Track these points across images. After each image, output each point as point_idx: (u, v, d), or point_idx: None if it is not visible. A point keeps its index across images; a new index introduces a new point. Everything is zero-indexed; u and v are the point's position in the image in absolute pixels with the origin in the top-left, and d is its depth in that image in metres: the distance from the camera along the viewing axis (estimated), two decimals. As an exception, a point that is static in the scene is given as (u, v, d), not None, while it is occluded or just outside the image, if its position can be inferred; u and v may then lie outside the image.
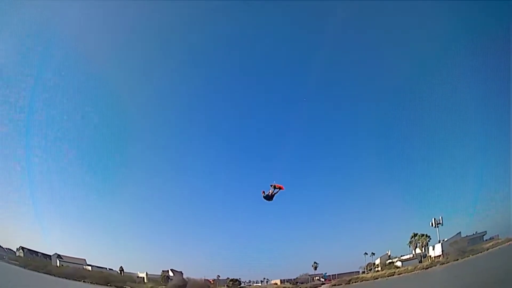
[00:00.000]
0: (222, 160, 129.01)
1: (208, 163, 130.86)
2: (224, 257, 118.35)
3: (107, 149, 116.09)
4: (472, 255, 66.54)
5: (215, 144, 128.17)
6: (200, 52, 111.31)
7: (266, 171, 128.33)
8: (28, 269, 73.58)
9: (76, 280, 76.56)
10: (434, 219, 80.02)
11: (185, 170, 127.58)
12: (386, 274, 79.87)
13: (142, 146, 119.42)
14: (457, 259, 68.09)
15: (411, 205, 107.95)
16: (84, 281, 77.97)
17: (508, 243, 63.13)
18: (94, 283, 78.06)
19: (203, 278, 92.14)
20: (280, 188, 29.13)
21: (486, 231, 74.79)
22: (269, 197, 28.89)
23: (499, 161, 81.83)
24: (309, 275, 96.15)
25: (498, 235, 70.41)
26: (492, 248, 65.46)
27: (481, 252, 66.10)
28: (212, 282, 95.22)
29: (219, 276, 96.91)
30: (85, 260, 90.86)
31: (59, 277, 74.75)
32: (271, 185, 28.56)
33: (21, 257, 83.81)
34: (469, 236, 75.13)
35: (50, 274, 74.20)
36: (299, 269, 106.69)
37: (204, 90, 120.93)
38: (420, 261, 79.98)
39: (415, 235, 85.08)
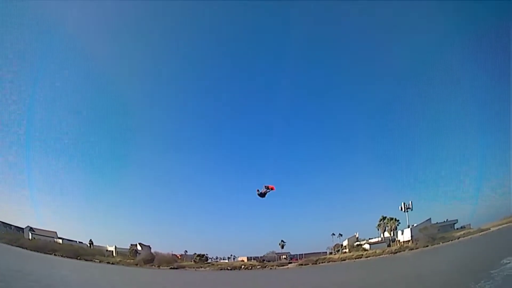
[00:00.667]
0: (193, 137, 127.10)
1: (178, 140, 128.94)
2: (192, 233, 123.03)
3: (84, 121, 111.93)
4: (442, 242, 66.37)
5: (186, 121, 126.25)
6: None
7: (232, 148, 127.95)
8: (2, 242, 72.68)
9: (47, 253, 76.48)
10: (404, 204, 79.81)
11: (154, 146, 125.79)
12: (353, 256, 79.37)
13: (114, 120, 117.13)
14: (427, 246, 67.85)
15: (381, 188, 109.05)
16: (55, 255, 78.08)
17: (481, 233, 62.96)
18: (64, 256, 78.21)
19: (170, 252, 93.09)
20: (271, 189, 31.48)
21: (457, 220, 75.19)
22: (262, 195, 31.34)
23: (474, 151, 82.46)
24: (276, 253, 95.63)
25: (470, 225, 70.64)
26: (463, 237, 65.28)
27: (451, 241, 65.86)
28: (179, 257, 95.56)
29: (186, 251, 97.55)
30: (56, 233, 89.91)
31: (31, 250, 74.02)
32: (264, 186, 31.05)
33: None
34: (439, 223, 75.16)
35: (22, 248, 73.35)
36: (266, 247, 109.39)
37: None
38: (389, 245, 79.72)
39: (384, 218, 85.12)
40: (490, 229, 63.68)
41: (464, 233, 67.18)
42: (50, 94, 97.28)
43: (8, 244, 72.36)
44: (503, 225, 61.95)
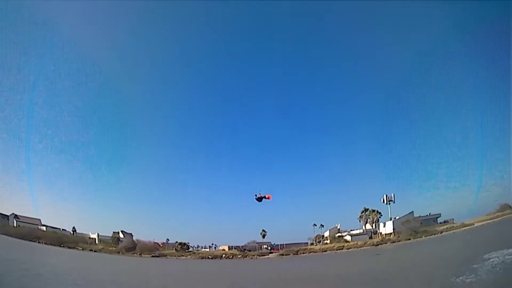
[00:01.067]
0: (174, 124, 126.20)
1: (160, 128, 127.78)
2: (174, 222, 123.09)
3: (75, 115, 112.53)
4: (425, 236, 66.11)
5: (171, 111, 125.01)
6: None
7: (213, 136, 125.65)
8: None
9: (31, 240, 76.94)
10: (386, 196, 79.08)
11: (136, 134, 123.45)
12: (335, 247, 78.65)
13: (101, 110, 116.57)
14: (409, 239, 67.36)
15: (364, 180, 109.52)
16: (39, 242, 78.45)
17: (464, 228, 62.96)
18: (48, 244, 78.63)
19: (152, 240, 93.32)
20: (268, 198, 35.95)
21: (440, 214, 75.04)
22: (259, 199, 35.36)
23: (461, 149, 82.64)
24: (257, 243, 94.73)
25: (453, 219, 70.86)
26: (446, 231, 65.27)
27: (434, 234, 65.62)
28: (161, 245, 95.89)
29: (168, 239, 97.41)
30: (40, 220, 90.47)
31: (15, 237, 75.15)
32: (261, 195, 35.51)
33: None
34: (422, 216, 74.64)
35: (7, 235, 74.18)
36: (248, 236, 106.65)
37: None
38: (371, 237, 79.16)
39: (366, 210, 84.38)
40: (474, 224, 63.66)
41: (447, 228, 67.22)
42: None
43: (-6, 231, 73.96)
44: (487, 221, 62.07)
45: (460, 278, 16.45)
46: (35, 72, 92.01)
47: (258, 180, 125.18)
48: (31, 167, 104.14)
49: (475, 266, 24.98)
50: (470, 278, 15.72)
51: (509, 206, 63.58)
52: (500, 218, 60.90)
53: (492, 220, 61.39)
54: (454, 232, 62.63)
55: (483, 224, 61.36)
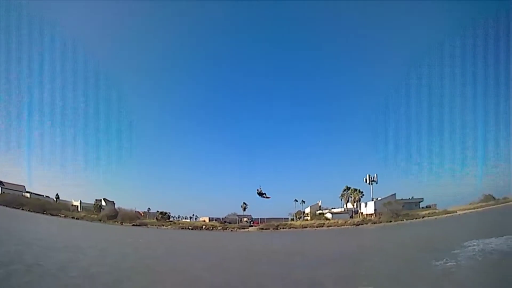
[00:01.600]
0: (161, 92, 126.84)
1: (147, 97, 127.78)
2: (156, 192, 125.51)
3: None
4: (406, 219, 66.39)
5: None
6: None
7: (195, 104, 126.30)
8: None
9: (15, 208, 77.40)
10: (369, 176, 78.92)
11: (124, 103, 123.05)
12: (315, 224, 78.17)
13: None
14: (390, 221, 67.54)
15: (347, 158, 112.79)
16: (22, 209, 79.04)
17: (446, 215, 63.58)
18: (31, 211, 79.16)
19: (134, 209, 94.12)
20: (268, 197, 39.28)
21: (423, 198, 75.26)
22: (260, 194, 37.84)
23: (450, 136, 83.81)
24: (238, 216, 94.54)
25: (435, 205, 71.45)
26: (428, 216, 65.42)
27: (416, 219, 65.98)
28: (142, 214, 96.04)
29: (149, 209, 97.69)
30: (24, 187, 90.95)
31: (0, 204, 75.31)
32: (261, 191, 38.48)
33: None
34: (404, 199, 74.72)
35: None
36: (228, 208, 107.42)
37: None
38: (351, 216, 79.08)
39: (348, 188, 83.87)
40: (456, 212, 64.05)
41: (429, 213, 67.73)
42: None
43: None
44: (470, 210, 62.51)
45: (440, 262, 16.02)
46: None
47: (241, 153, 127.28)
48: (16, 132, 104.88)
49: (455, 252, 24.27)
50: (449, 262, 15.34)
51: (493, 197, 64.04)
52: (483, 208, 61.34)
53: (475, 210, 61.68)
54: (436, 218, 62.80)
55: (465, 213, 61.61)
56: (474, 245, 28.24)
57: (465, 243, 29.40)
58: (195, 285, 13.73)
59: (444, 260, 15.73)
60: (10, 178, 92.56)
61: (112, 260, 19.76)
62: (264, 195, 38.64)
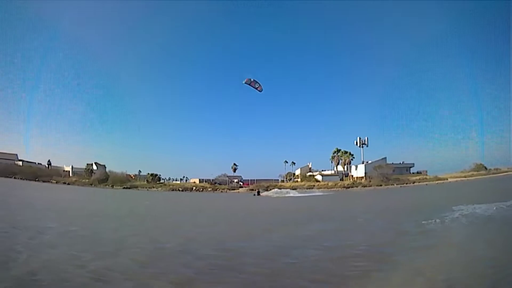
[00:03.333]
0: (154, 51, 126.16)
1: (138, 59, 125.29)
2: (146, 155, 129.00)
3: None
4: (397, 184, 66.74)
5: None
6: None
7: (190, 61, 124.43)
8: None
9: (7, 177, 76.78)
10: (359, 138, 78.75)
11: (118, 66, 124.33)
12: (305, 186, 78.16)
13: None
14: (380, 185, 67.96)
15: (337, 119, 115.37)
16: (14, 177, 79.01)
17: (437, 182, 64.28)
18: (23, 179, 79.08)
19: (124, 172, 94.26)
20: (260, 90, 34.33)
21: (413, 164, 75.74)
22: (248, 83, 33.26)
23: (444, 95, 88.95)
24: (228, 177, 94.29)
25: (426, 171, 72.28)
26: (419, 182, 65.77)
27: (406, 184, 66.32)
28: (133, 177, 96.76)
29: (140, 171, 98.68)
30: (16, 155, 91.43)
31: None
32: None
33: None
34: (395, 163, 74.67)
35: None
36: (219, 170, 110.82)
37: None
38: (342, 179, 79.36)
39: (338, 150, 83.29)
40: (447, 179, 64.73)
41: (420, 179, 68.38)
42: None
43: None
44: (461, 178, 63.04)
45: (428, 221, 15.77)
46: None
47: (234, 111, 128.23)
48: (7, 101, 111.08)
49: (444, 214, 23.52)
50: (437, 223, 15.04)
51: (484, 167, 64.33)
52: (475, 177, 61.89)
53: (466, 178, 62.13)
54: (426, 184, 63.11)
55: (456, 181, 61.93)
56: (462, 209, 27.87)
57: (454, 207, 29.02)
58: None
59: (433, 220, 15.30)
60: (3, 147, 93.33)
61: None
62: (257, 87, 34.12)
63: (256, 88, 35.18)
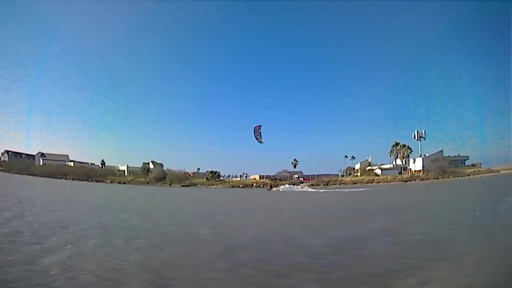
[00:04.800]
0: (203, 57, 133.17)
1: (185, 59, 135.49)
2: (205, 152, 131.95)
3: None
4: (453, 177, 71.04)
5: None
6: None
7: (241, 66, 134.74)
8: (12, 172, 74.51)
9: (58, 178, 78.18)
10: (417, 131, 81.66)
11: (166, 67, 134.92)
12: (365, 180, 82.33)
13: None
14: (437, 178, 72.60)
15: (396, 113, 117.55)
16: (65, 178, 79.90)
17: (490, 174, 67.32)
18: (75, 179, 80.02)
19: (183, 170, 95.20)
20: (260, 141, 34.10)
21: (468, 156, 79.69)
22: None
23: (498, 91, 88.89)
24: (288, 172, 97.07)
25: (480, 164, 75.69)
26: (473, 175, 69.95)
27: (461, 176, 70.41)
28: (191, 174, 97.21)
29: (199, 169, 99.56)
30: (67, 156, 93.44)
31: (41, 176, 74.73)
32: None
33: (6, 161, 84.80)
34: (451, 156, 78.58)
35: (32, 175, 74.32)
36: (279, 165, 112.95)
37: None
38: (400, 173, 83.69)
39: (397, 144, 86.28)
40: (499, 171, 68.06)
41: (474, 171, 72.02)
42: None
43: (18, 173, 74.20)
44: None
45: (481, 212, 19.29)
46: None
47: (294, 107, 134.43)
48: (55, 105, 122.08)
49: (496, 205, 29.24)
50: (489, 213, 18.60)
51: None
52: None
53: None
54: (480, 177, 66.90)
55: (508, 172, 65.07)
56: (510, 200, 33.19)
57: (506, 198, 34.21)
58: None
59: (486, 210, 19.30)
60: (54, 149, 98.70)
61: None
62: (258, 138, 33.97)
63: (257, 138, 35.86)
